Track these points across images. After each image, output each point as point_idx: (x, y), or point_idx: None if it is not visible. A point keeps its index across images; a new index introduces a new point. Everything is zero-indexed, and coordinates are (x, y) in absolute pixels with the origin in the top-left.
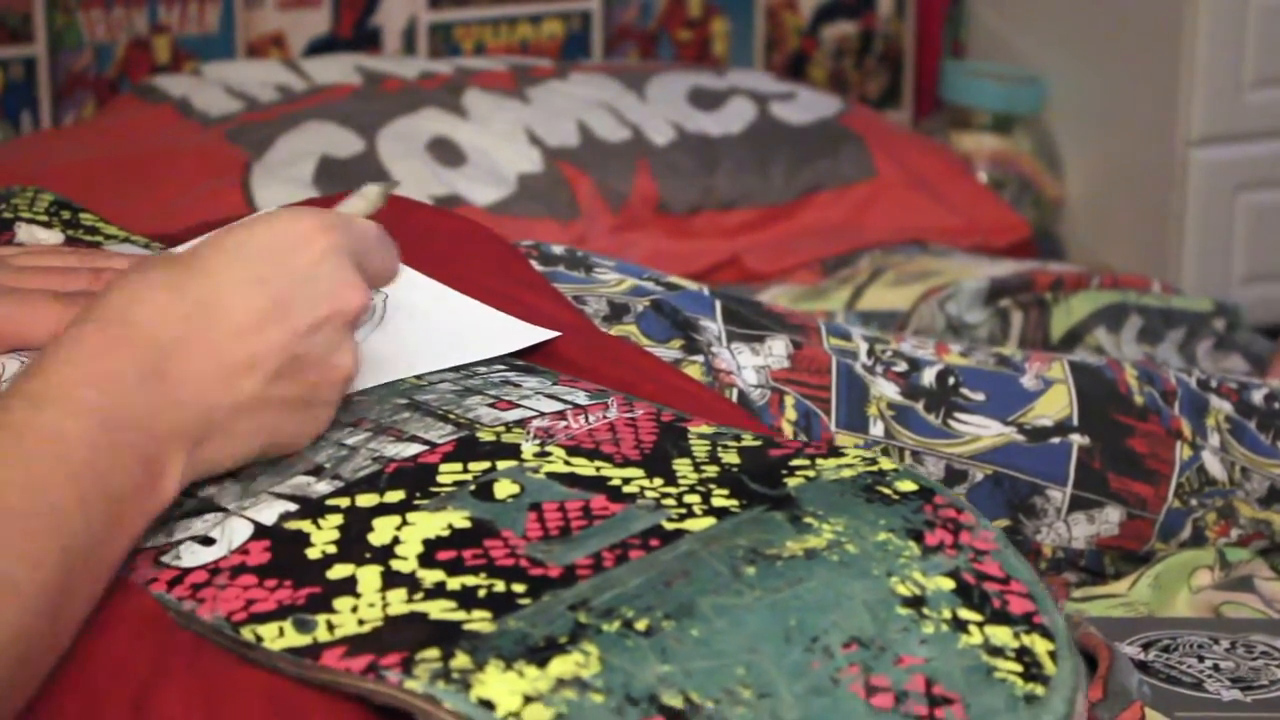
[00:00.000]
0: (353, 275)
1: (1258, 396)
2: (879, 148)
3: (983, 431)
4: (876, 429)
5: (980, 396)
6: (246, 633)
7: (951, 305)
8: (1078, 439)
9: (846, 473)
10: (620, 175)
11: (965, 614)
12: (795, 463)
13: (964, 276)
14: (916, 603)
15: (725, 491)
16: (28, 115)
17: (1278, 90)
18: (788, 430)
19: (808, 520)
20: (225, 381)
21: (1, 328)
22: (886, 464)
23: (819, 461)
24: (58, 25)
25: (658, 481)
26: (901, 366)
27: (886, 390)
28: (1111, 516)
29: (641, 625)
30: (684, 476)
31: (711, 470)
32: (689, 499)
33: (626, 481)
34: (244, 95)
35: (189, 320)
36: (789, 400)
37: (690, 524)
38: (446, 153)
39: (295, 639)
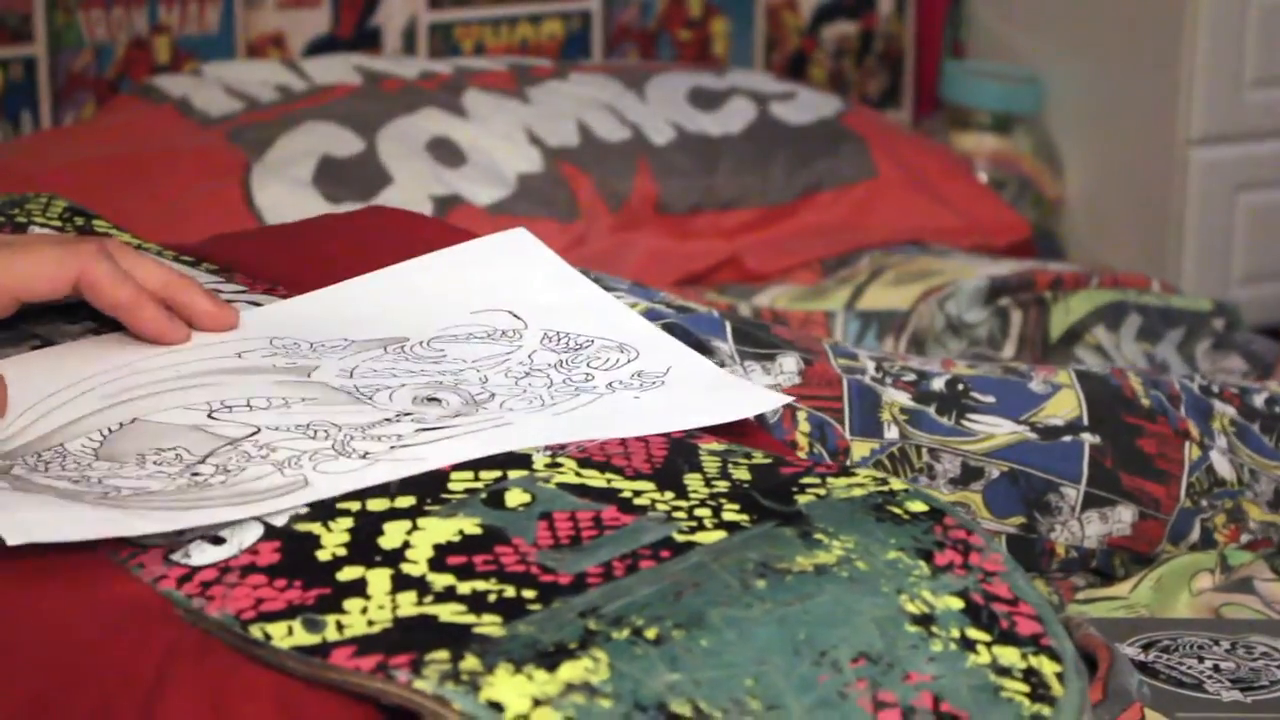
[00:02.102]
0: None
1: (1259, 400)
2: (879, 148)
3: (995, 430)
4: (891, 433)
5: (990, 399)
6: (255, 631)
7: (951, 304)
8: (1089, 438)
9: (857, 491)
10: (620, 175)
11: (974, 633)
12: (806, 480)
13: (963, 276)
14: (925, 621)
15: (736, 506)
16: (28, 115)
17: (1278, 90)
18: (802, 442)
19: (818, 537)
20: None
21: (2, 278)
22: (897, 484)
23: (830, 480)
24: (58, 25)
25: (668, 495)
26: (910, 376)
27: (898, 397)
28: (1124, 516)
29: (651, 634)
30: (695, 491)
31: (722, 485)
32: (699, 512)
33: (637, 494)
34: (244, 95)
35: None
36: (801, 415)
37: (701, 537)
38: (446, 153)
39: (304, 638)
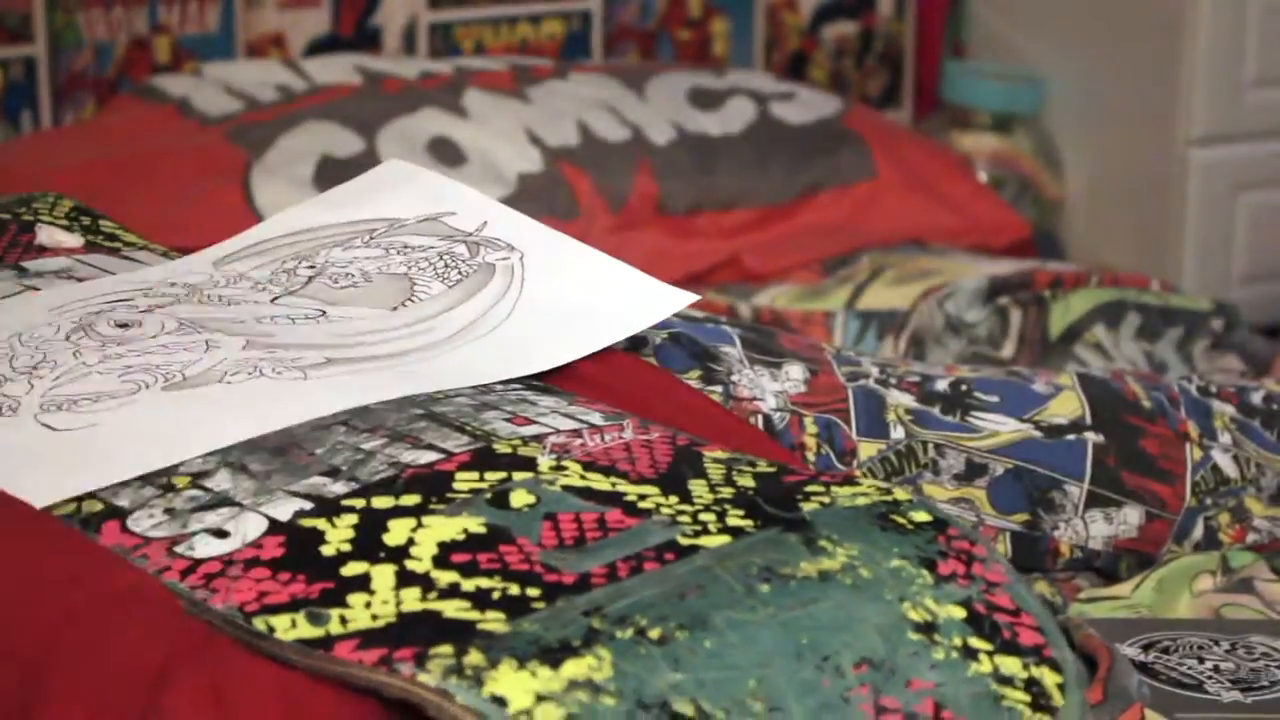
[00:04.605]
0: None
1: (1256, 398)
2: (879, 148)
3: (1000, 427)
4: (897, 433)
5: (994, 398)
6: (259, 623)
7: (950, 304)
8: (1092, 436)
9: (861, 501)
10: (620, 175)
11: (976, 643)
12: (810, 488)
13: (963, 275)
14: (928, 629)
15: (740, 512)
16: (28, 115)
17: (1278, 90)
18: (810, 444)
19: (822, 544)
20: None
21: None
22: (901, 494)
23: (834, 489)
24: (58, 25)
25: (673, 499)
26: (914, 379)
27: (902, 399)
28: (1130, 518)
29: (655, 634)
30: (699, 496)
31: (727, 491)
32: (704, 517)
33: (642, 498)
34: (244, 95)
35: None
36: (808, 419)
37: (705, 540)
38: (446, 152)
39: (307, 630)
